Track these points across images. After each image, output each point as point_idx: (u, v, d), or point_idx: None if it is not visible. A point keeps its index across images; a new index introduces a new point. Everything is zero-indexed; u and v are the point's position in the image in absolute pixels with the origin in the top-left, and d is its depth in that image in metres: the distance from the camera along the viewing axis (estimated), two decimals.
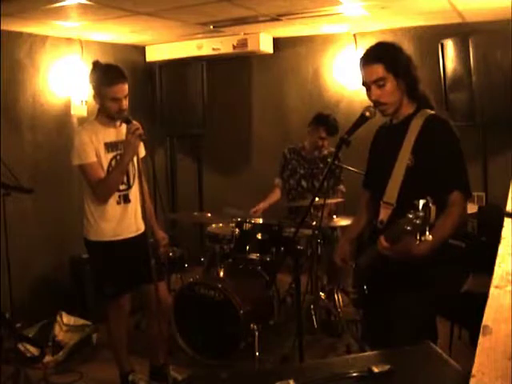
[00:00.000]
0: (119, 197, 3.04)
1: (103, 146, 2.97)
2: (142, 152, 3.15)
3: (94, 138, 2.93)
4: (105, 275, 3.10)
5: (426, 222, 1.75)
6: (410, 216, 1.77)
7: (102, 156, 2.97)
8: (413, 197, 1.80)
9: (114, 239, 3.05)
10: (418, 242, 1.80)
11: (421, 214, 1.75)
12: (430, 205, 1.75)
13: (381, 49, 2.27)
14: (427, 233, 1.76)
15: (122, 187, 3.04)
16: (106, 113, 2.96)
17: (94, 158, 2.93)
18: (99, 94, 2.92)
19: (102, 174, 2.95)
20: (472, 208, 4.13)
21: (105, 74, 2.92)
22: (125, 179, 3.04)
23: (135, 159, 2.98)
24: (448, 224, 2.10)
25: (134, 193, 3.08)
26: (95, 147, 2.93)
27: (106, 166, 2.97)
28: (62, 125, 4.64)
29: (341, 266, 2.55)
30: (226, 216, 4.03)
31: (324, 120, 4.13)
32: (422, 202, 1.76)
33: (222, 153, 5.85)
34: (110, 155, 2.99)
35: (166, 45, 5.30)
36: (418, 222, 1.75)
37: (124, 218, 3.06)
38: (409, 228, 1.79)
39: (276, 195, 4.42)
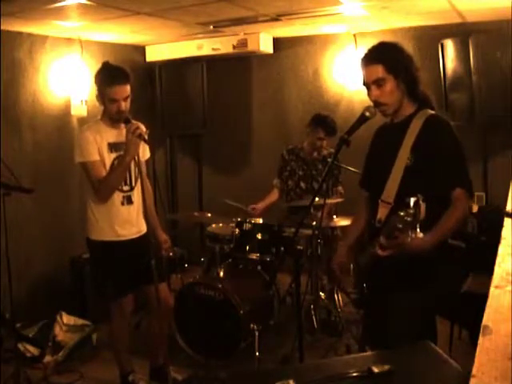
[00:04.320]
0: (123, 197, 3.04)
1: (106, 146, 2.97)
2: (147, 154, 3.15)
3: (97, 138, 2.94)
4: (105, 275, 3.10)
5: (417, 219, 1.77)
6: (401, 214, 1.79)
7: (105, 156, 2.97)
8: (411, 196, 1.81)
9: (116, 240, 3.05)
10: (409, 239, 1.81)
11: (411, 211, 1.76)
12: (421, 202, 1.77)
13: (381, 49, 2.27)
14: (418, 230, 1.78)
15: (125, 188, 3.04)
16: (107, 113, 2.97)
17: (96, 157, 2.93)
18: (100, 93, 2.94)
19: (104, 173, 2.95)
20: (472, 208, 4.13)
21: (106, 75, 2.94)
22: (127, 180, 3.05)
23: (138, 160, 2.98)
24: (453, 218, 2.11)
25: (137, 194, 3.08)
26: (98, 146, 2.94)
27: (108, 165, 2.98)
28: (62, 125, 4.64)
29: (339, 274, 2.55)
30: (226, 210, 4.03)
31: (322, 121, 4.13)
32: (412, 199, 1.77)
33: (222, 153, 5.85)
34: (113, 155, 2.99)
35: (166, 45, 5.30)
36: (408, 219, 1.77)
37: (127, 219, 3.07)
38: (400, 226, 1.80)
39: (274, 196, 4.42)
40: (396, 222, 1.82)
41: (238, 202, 4.25)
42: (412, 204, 1.76)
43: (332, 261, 2.59)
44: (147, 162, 3.22)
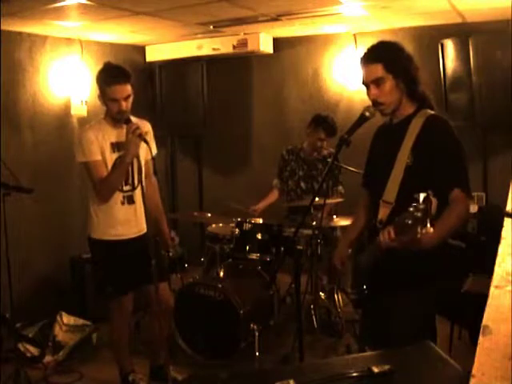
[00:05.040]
0: (123, 197, 3.04)
1: (109, 146, 2.97)
2: (150, 153, 3.11)
3: (100, 137, 2.94)
4: (107, 274, 3.10)
5: (427, 215, 1.74)
6: (411, 209, 1.77)
7: (107, 155, 2.97)
8: (412, 196, 1.80)
9: (117, 239, 3.05)
10: (419, 235, 1.79)
11: (421, 206, 1.74)
12: (431, 198, 1.75)
13: (381, 48, 2.27)
14: (428, 225, 1.75)
15: (126, 188, 3.04)
16: (109, 113, 2.97)
17: (98, 157, 2.93)
18: (101, 93, 2.94)
19: (105, 173, 2.95)
20: (472, 208, 4.13)
21: (106, 74, 2.94)
22: (129, 180, 3.05)
23: (138, 160, 2.98)
24: (451, 219, 2.09)
25: (139, 194, 3.07)
26: (100, 146, 2.94)
27: (110, 165, 2.97)
28: (62, 125, 4.64)
29: (340, 270, 2.55)
30: (226, 210, 4.04)
31: (323, 121, 4.12)
32: (422, 195, 1.75)
33: (222, 153, 5.85)
34: (116, 155, 2.99)
35: (166, 45, 5.30)
36: (418, 214, 1.75)
37: (128, 219, 3.07)
38: (410, 222, 1.78)
39: (274, 196, 4.42)
40: (405, 217, 1.80)
41: (238, 202, 4.25)
42: (422, 199, 1.75)
43: (332, 257, 2.60)
44: (152, 160, 3.18)
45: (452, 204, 2.11)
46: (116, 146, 3.00)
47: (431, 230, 1.76)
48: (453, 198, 2.12)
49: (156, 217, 3.20)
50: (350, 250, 2.56)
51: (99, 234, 3.07)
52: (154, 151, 3.02)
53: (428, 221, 1.75)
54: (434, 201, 1.76)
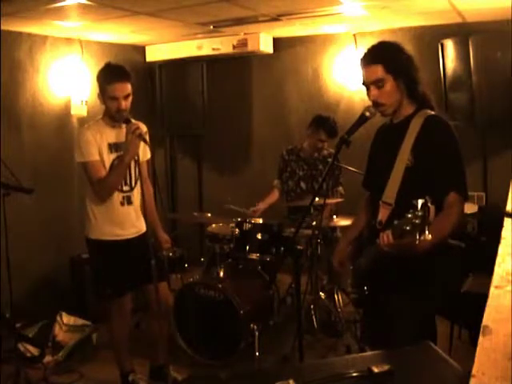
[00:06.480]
0: (123, 198, 3.04)
1: (106, 146, 2.97)
2: (147, 154, 3.14)
3: (98, 137, 2.94)
4: (105, 275, 3.10)
5: (425, 222, 1.76)
6: (409, 216, 1.78)
7: (105, 156, 2.97)
8: (412, 197, 1.80)
9: (116, 239, 3.05)
10: (417, 242, 1.80)
11: (420, 213, 1.75)
12: (429, 204, 1.76)
13: (381, 49, 2.26)
14: (426, 232, 1.76)
15: (124, 188, 3.04)
16: (108, 112, 2.97)
17: (96, 157, 2.94)
18: (101, 92, 2.94)
19: (104, 173, 2.95)
20: (472, 208, 4.14)
21: (106, 73, 2.94)
22: (127, 181, 3.05)
23: (138, 161, 2.98)
24: (446, 223, 2.09)
25: (137, 194, 3.09)
26: (98, 146, 2.94)
27: (108, 166, 2.98)
28: (62, 125, 4.64)
29: (339, 270, 2.55)
30: (226, 211, 4.04)
31: (324, 122, 4.11)
32: (420, 201, 1.76)
33: (222, 153, 5.85)
34: (113, 155, 2.99)
35: (166, 45, 5.30)
36: (417, 221, 1.76)
37: (126, 219, 3.07)
38: (408, 228, 1.79)
39: (274, 196, 4.41)
40: (404, 224, 1.81)
41: (238, 202, 4.24)
42: (420, 206, 1.75)
43: (332, 256, 2.60)
44: (148, 162, 3.22)
45: (448, 207, 2.11)
46: (114, 147, 3.00)
47: (429, 237, 1.77)
48: (449, 201, 2.12)
49: (150, 221, 3.20)
50: (349, 250, 2.55)
51: (97, 235, 3.06)
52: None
53: (426, 228, 1.76)
54: (432, 208, 1.77)
